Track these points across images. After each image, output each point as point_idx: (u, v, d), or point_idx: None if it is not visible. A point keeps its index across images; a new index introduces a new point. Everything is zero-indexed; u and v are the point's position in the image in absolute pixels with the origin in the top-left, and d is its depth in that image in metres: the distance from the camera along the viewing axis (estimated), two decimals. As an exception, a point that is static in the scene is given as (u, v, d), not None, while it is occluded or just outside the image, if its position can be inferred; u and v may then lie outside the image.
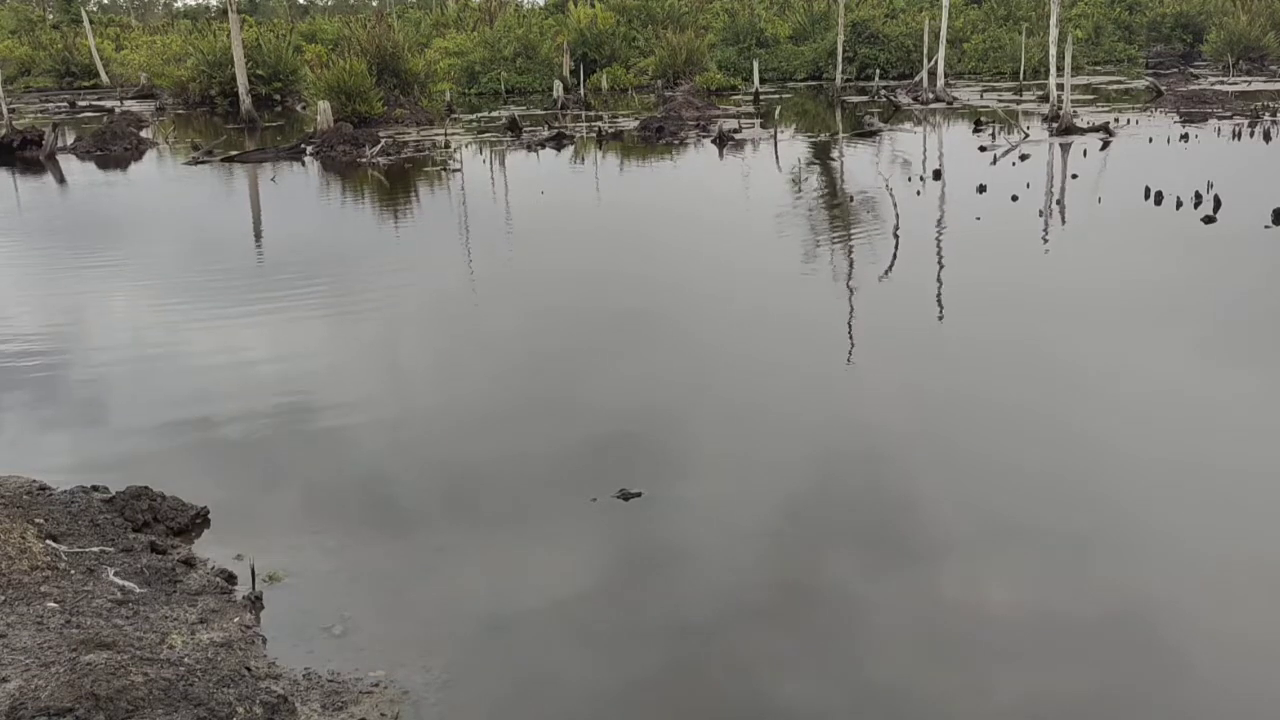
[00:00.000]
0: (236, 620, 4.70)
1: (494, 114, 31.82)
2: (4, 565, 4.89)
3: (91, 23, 54.57)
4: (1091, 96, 30.38)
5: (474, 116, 31.91)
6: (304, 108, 33.96)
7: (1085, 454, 6.47)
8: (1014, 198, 14.88)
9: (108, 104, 38.71)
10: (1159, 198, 14.27)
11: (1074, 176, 16.99)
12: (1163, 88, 29.93)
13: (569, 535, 5.69)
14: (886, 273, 11.26)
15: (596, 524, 5.78)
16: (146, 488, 5.88)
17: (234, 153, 23.44)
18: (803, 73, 42.32)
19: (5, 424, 7.49)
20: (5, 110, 26.20)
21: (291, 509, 6.08)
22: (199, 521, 5.83)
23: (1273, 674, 4.46)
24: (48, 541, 5.21)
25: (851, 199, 16.29)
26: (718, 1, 50.42)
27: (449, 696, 4.32)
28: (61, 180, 21.38)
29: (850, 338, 9.01)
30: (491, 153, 23.19)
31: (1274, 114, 24.22)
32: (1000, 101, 30.78)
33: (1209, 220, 13.04)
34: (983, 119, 25.36)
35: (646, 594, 5.12)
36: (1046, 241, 12.65)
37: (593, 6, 44.92)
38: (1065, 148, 20.47)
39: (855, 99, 33.62)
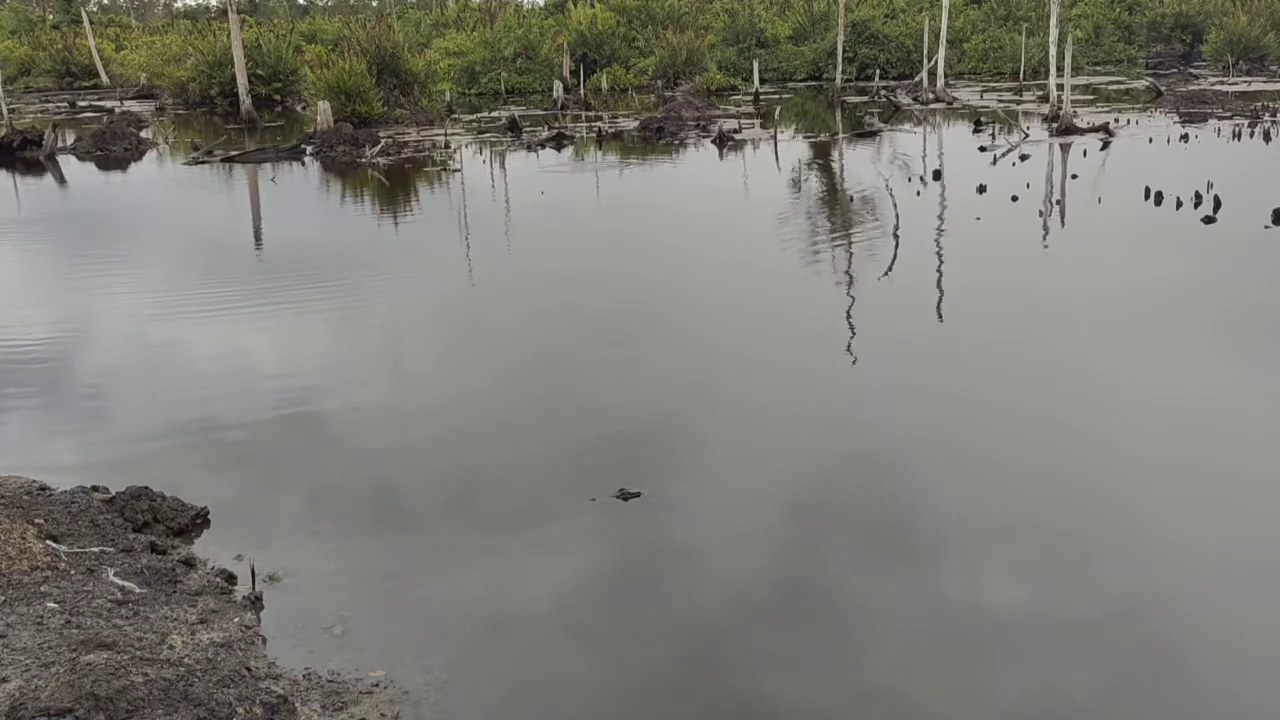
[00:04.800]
0: (236, 620, 4.70)
1: (494, 114, 31.81)
2: (4, 565, 4.89)
3: (91, 23, 54.54)
4: (1091, 96, 30.37)
5: (474, 117, 31.91)
6: (304, 108, 33.95)
7: (1086, 453, 6.47)
8: (1014, 198, 14.88)
9: (108, 104, 38.69)
10: (1159, 198, 14.27)
11: (1074, 177, 16.99)
12: (1162, 88, 29.93)
13: (568, 535, 5.69)
14: (886, 273, 11.26)
15: (596, 524, 5.78)
16: (146, 488, 5.88)
17: (234, 153, 23.44)
18: (803, 73, 42.29)
19: (6, 424, 7.49)
20: (5, 110, 26.21)
21: (291, 509, 6.08)
22: (199, 522, 5.84)
23: (1273, 673, 4.46)
24: (48, 541, 5.21)
25: (851, 199, 16.29)
26: (718, 1, 50.42)
27: (449, 696, 4.32)
28: (62, 180, 21.38)
29: (850, 337, 9.01)
30: (491, 153, 23.19)
31: (1274, 114, 24.21)
32: (1000, 102, 30.78)
33: (1209, 220, 13.05)
34: (983, 119, 25.35)
35: (645, 593, 5.12)
36: (1046, 242, 12.66)
37: (593, 7, 44.91)
38: (1065, 148, 20.46)
39: (855, 99, 33.61)
